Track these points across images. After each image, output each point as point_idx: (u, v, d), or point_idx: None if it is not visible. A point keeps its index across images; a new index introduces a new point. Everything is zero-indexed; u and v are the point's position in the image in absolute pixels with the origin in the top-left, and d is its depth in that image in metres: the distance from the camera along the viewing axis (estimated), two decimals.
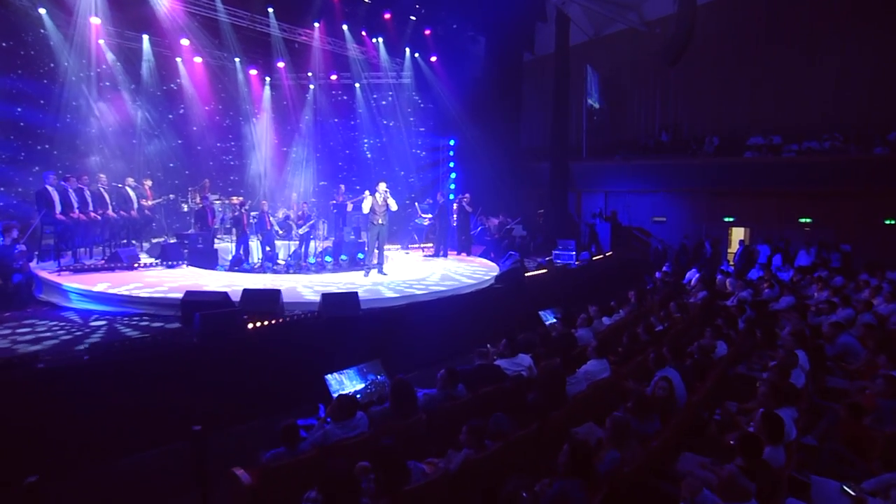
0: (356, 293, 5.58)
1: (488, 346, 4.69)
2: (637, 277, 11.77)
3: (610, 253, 12.66)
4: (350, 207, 10.33)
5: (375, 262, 7.57)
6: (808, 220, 11.89)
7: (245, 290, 5.26)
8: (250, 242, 8.74)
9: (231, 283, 6.70)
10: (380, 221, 7.18)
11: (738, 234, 13.41)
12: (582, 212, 15.39)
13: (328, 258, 8.85)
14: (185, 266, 7.67)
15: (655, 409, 3.51)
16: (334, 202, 10.24)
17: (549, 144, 14.57)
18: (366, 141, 13.02)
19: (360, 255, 8.91)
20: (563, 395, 3.95)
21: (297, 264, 8.43)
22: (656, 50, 12.81)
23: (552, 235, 12.77)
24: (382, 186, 7.14)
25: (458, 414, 3.70)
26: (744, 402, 4.14)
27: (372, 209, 7.13)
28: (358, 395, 4.68)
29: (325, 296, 5.37)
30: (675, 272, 10.85)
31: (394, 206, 7.21)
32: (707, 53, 13.62)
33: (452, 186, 14.26)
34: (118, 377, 3.81)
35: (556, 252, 10.95)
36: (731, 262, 11.95)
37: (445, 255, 9.93)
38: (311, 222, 9.14)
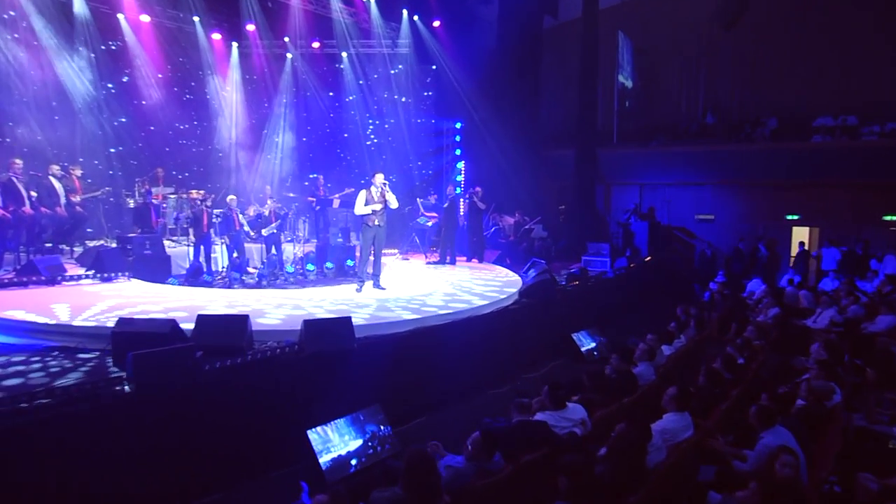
0: (349, 319, 4.91)
1: (529, 400, 4.14)
2: (683, 289, 11.48)
3: (648, 258, 12.28)
4: (336, 204, 10.21)
5: (370, 272, 7.08)
6: (894, 218, 11.50)
7: (200, 318, 4.51)
8: (214, 247, 8.37)
9: (187, 301, 6.15)
10: (376, 223, 6.69)
11: (799, 234, 13.01)
12: (612, 208, 15.18)
13: (310, 267, 8.60)
14: (126, 279, 7.10)
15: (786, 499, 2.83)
16: (313, 199, 9.99)
17: (574, 128, 14.20)
18: (365, 119, 12.72)
19: (350, 263, 8.75)
20: (642, 468, 3.36)
21: (271, 274, 8.03)
22: (703, 13, 12.49)
23: (578, 237, 12.61)
24: (379, 178, 6.68)
25: (496, 495, 3.22)
26: (881, 471, 3.42)
27: (367, 210, 6.70)
28: (354, 461, 4.12)
29: (309, 324, 4.69)
30: (731, 282, 10.49)
31: (394, 203, 6.71)
32: (763, 18, 13.28)
33: (459, 178, 14.20)
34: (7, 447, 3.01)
35: (587, 258, 10.82)
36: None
37: (453, 263, 9.55)
38: (277, 223, 8.80)
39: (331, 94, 12.71)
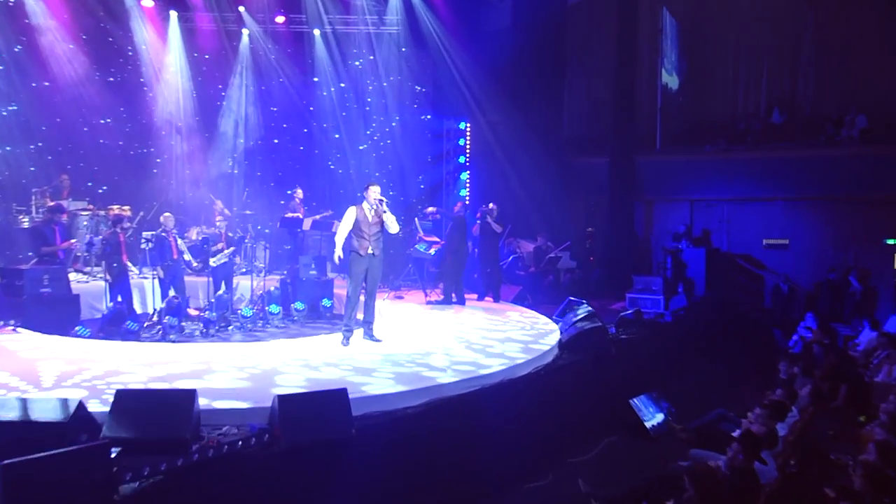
0: (344, 393, 4.37)
1: None
2: (760, 336, 11.12)
3: (706, 296, 11.97)
4: (307, 225, 10.13)
5: (361, 318, 6.79)
6: None
7: (120, 395, 3.94)
8: (143, 282, 8.46)
9: (100, 363, 5.67)
10: (369, 251, 6.47)
11: None
12: (654, 231, 14.75)
13: (273, 308, 8.46)
14: (12, 329, 6.85)
15: None
16: (288, 216, 9.98)
17: (607, 130, 14.07)
18: (342, 116, 12.55)
19: (326, 303, 8.94)
20: None
21: (222, 320, 7.91)
22: None
23: (614, 267, 12.66)
24: (374, 192, 6.52)
25: None
26: None
27: (355, 230, 6.51)
28: None
29: (285, 401, 4.17)
30: (824, 328, 9.89)
31: (393, 227, 6.59)
32: None
33: (464, 192, 13.88)
34: None
35: (633, 295, 10.73)
36: None
37: (462, 302, 9.32)
38: (230, 250, 8.80)
39: (294, 85, 12.64)
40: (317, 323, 8.61)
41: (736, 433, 5.98)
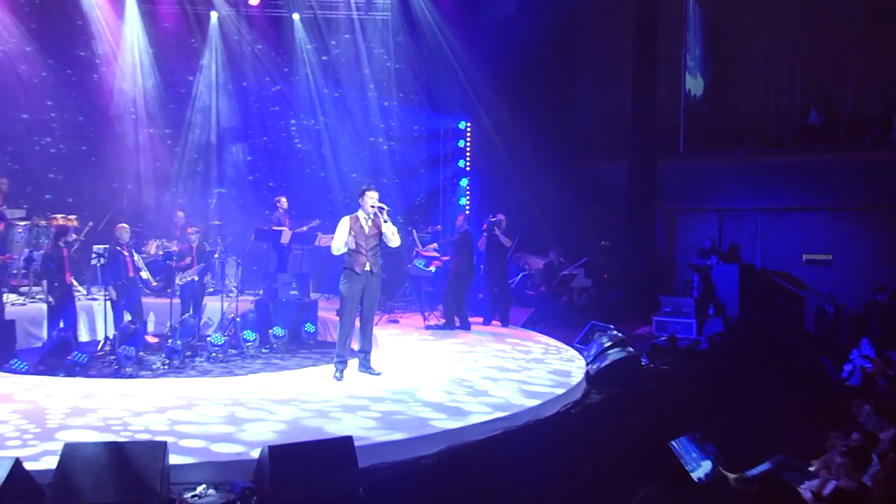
0: (349, 442, 4.15)
1: None
2: (805, 366, 10.61)
3: (742, 319, 11.92)
4: (286, 238, 10.25)
5: (357, 348, 6.67)
6: None
7: (69, 448, 3.64)
8: (93, 305, 8.68)
9: (40, 403, 5.47)
10: (367, 267, 6.44)
11: None
12: (677, 244, 14.62)
13: (249, 335, 8.33)
14: None
15: None
16: (264, 228, 10.17)
17: (625, 132, 14.05)
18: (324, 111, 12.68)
19: (309, 328, 8.98)
20: None
21: (188, 349, 7.78)
22: None
23: (634, 286, 12.70)
24: (372, 198, 6.50)
25: None
26: None
27: (352, 244, 6.45)
28: None
29: (277, 453, 3.90)
30: (882, 356, 9.55)
31: (394, 240, 6.60)
32: None
33: (464, 201, 13.86)
34: None
35: (660, 319, 10.90)
36: None
37: (466, 327, 9.32)
38: (199, 267, 8.76)
39: (273, 78, 12.69)
40: (300, 352, 8.53)
41: (806, 486, 5.68)
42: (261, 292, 9.93)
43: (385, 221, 6.44)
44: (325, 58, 12.71)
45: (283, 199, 10.72)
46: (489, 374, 6.92)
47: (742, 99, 15.25)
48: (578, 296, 12.21)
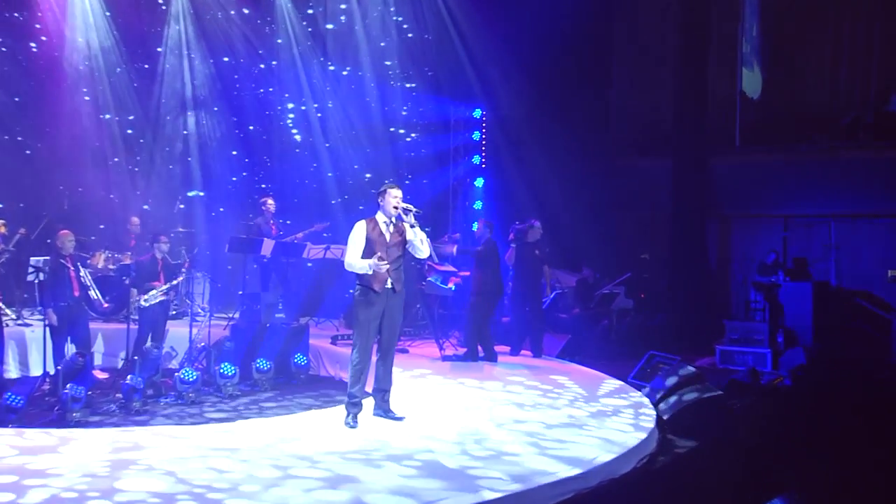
0: None
1: None
2: None
3: (818, 347, 11.65)
4: (267, 249, 10.16)
5: (375, 386, 6.49)
6: None
7: None
8: (34, 332, 8.74)
9: None
10: (388, 285, 6.27)
11: None
12: (732, 257, 14.71)
13: (227, 369, 8.08)
14: None
15: None
16: (241, 237, 10.26)
17: (671, 124, 14.09)
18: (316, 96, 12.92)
19: (300, 359, 8.99)
20: None
21: (150, 387, 7.66)
22: None
23: (684, 308, 12.75)
24: (395, 196, 6.33)
25: None
26: None
27: (366, 255, 6.34)
28: None
29: None
30: None
31: (423, 249, 6.47)
32: None
33: (478, 205, 13.84)
34: None
35: (726, 348, 10.93)
36: None
37: (493, 358, 9.38)
38: (166, 287, 8.73)
39: (248, 58, 12.96)
40: (292, 390, 8.41)
41: None
42: (236, 315, 9.88)
43: (412, 226, 6.24)
44: (310, 29, 12.91)
45: (271, 202, 10.67)
46: (535, 417, 6.77)
47: (808, 85, 15.26)
48: (619, 319, 12.24)
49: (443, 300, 10.75)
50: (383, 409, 6.32)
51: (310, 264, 11.06)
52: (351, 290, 10.97)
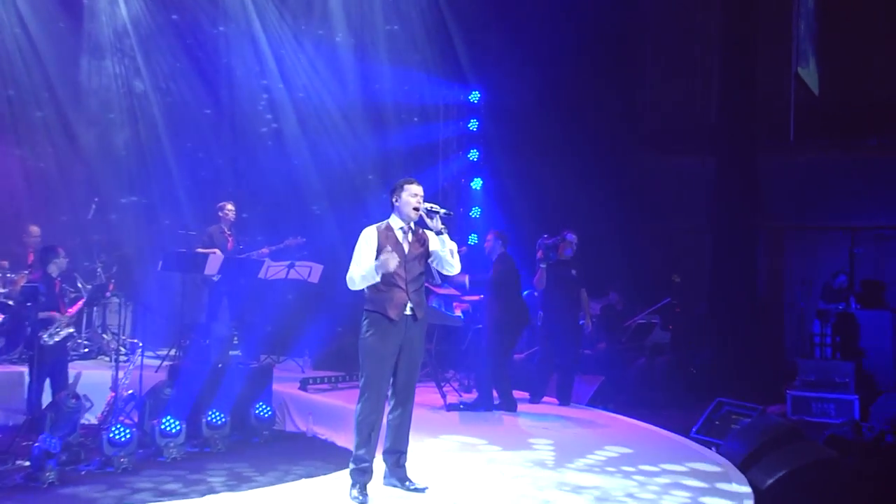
0: None
1: None
2: None
3: None
4: (213, 269, 10.28)
5: (389, 446, 6.23)
6: None
7: None
8: None
9: None
10: (408, 311, 6.09)
11: None
12: (785, 277, 14.89)
13: (170, 426, 8.01)
14: None
15: None
16: (180, 252, 10.48)
17: (712, 118, 14.48)
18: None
19: (263, 410, 8.88)
20: None
21: (66, 448, 7.35)
22: None
23: (731, 343, 12.81)
24: (415, 195, 6.18)
25: None
26: None
27: (380, 273, 6.15)
28: None
29: None
30: None
31: (454, 263, 6.28)
32: None
33: (476, 213, 13.97)
34: None
35: (799, 394, 11.00)
36: None
37: (512, 407, 9.31)
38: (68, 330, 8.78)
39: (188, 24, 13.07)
40: (255, 451, 8.20)
41: None
42: (173, 352, 9.85)
43: (439, 233, 5.96)
44: None
45: (230, 207, 10.67)
46: (585, 481, 6.66)
47: (874, 71, 15.31)
48: (654, 356, 12.21)
49: (441, 331, 10.63)
50: (398, 477, 6.08)
51: (290, 296, 11.12)
52: (339, 328, 11.09)
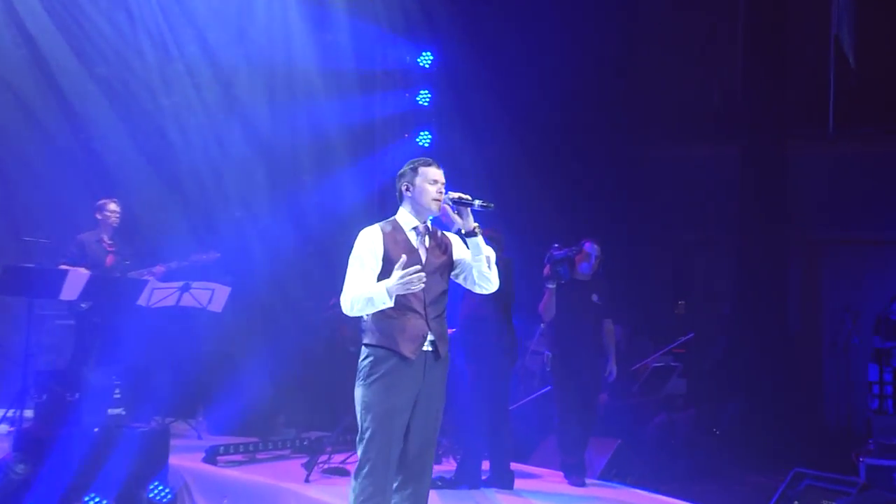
0: None
1: None
2: None
3: None
4: (73, 290, 10.29)
5: None
6: None
7: None
8: None
9: None
10: (426, 346, 6.02)
11: None
12: (824, 303, 15.23)
13: None
14: None
15: None
16: (24, 267, 10.52)
17: (731, 102, 14.90)
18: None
19: (159, 493, 8.95)
20: None
21: None
22: None
23: (760, 390, 13.20)
24: (435, 179, 6.06)
25: None
26: None
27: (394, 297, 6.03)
28: None
29: None
30: None
31: (493, 278, 6.21)
32: None
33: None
34: None
35: (875, 462, 10.71)
36: None
37: (508, 484, 9.22)
38: None
39: None
40: None
41: None
42: (24, 413, 9.59)
43: (471, 234, 5.70)
44: None
45: (113, 206, 10.62)
46: None
47: None
48: (673, 411, 12.28)
49: None
50: None
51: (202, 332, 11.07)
52: (256, 375, 11.14)
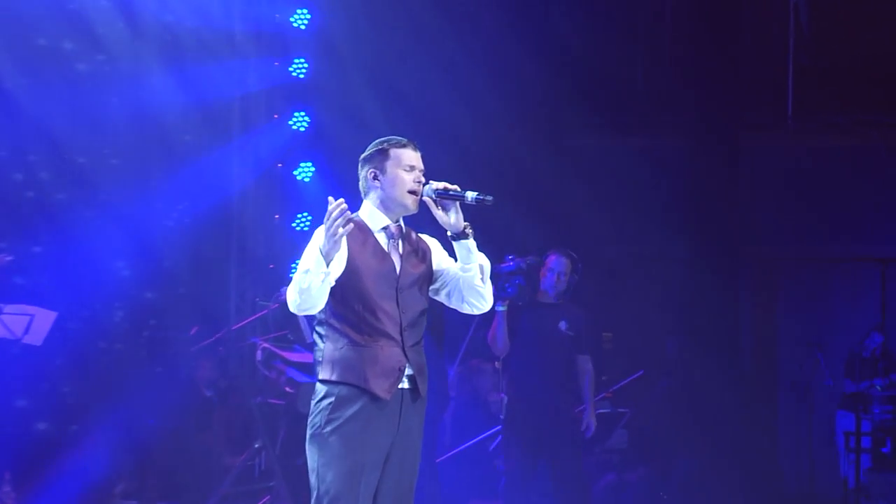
0: None
1: None
2: None
3: None
4: None
5: None
6: None
7: None
8: None
9: None
10: (404, 382, 6.04)
11: None
12: (780, 336, 15.87)
13: None
14: None
15: None
16: None
17: (678, 87, 15.25)
18: None
19: None
20: None
21: None
22: None
23: (712, 446, 13.73)
24: (411, 164, 6.00)
25: None
26: None
27: (348, 310, 5.82)
28: None
29: None
30: None
31: (487, 294, 6.01)
32: None
33: (305, 225, 14.49)
34: None
35: None
36: None
37: None
38: None
39: None
40: None
41: None
42: None
43: (461, 235, 5.31)
44: None
45: None
46: None
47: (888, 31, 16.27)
48: (623, 470, 12.78)
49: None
50: None
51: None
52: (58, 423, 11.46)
